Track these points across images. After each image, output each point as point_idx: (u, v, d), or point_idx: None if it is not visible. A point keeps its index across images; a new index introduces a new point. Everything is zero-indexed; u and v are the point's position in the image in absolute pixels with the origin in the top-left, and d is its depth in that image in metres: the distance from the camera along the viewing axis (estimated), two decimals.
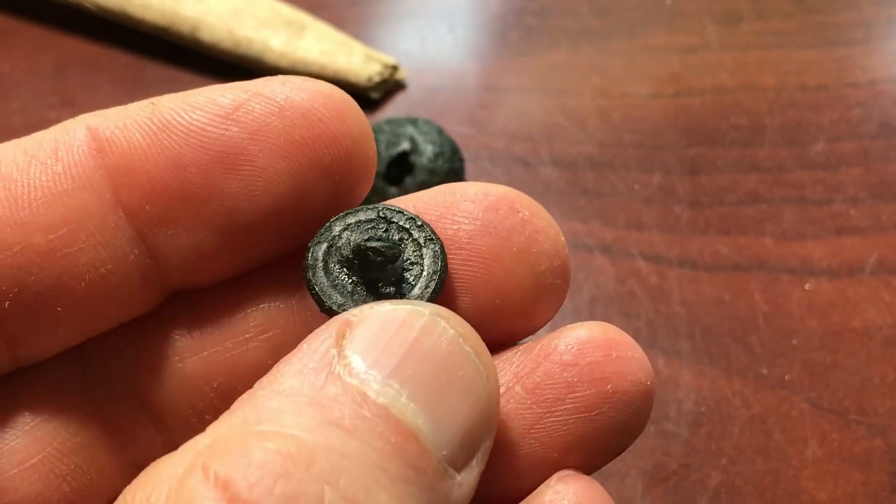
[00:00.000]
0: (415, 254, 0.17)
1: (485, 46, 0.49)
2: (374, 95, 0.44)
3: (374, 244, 0.16)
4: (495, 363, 0.17)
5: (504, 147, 0.43)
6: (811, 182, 0.41)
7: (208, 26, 0.44)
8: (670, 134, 0.43)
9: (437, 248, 0.17)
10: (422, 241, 0.17)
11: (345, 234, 0.17)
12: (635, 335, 0.36)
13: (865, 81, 0.46)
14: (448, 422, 0.14)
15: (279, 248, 0.18)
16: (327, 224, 0.17)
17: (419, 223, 0.17)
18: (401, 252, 0.16)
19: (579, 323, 0.17)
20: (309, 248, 0.17)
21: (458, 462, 0.14)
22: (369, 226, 0.17)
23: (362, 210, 0.17)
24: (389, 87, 0.45)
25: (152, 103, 0.16)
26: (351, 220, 0.17)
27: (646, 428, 0.33)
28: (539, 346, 0.17)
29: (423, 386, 0.14)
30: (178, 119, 0.16)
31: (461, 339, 0.15)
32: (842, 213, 0.40)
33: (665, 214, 0.40)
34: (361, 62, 0.44)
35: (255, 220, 0.16)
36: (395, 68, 0.45)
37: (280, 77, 0.16)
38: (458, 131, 0.43)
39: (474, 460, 0.14)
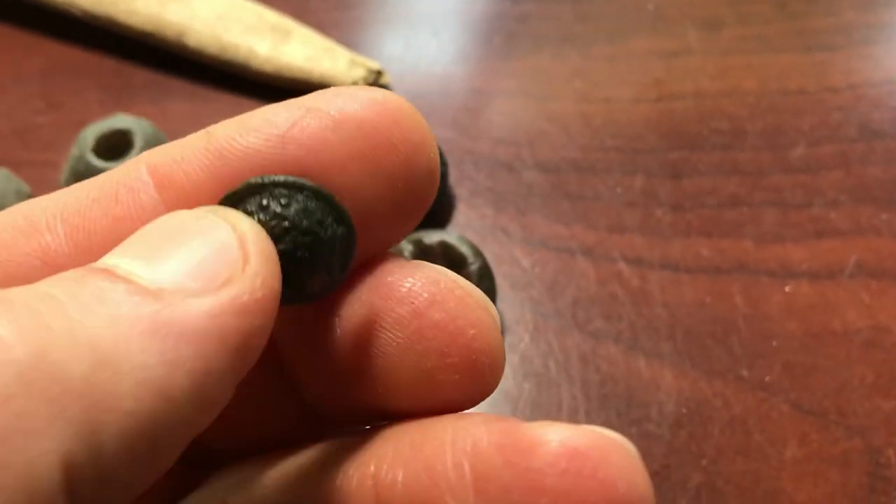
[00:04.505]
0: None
1: (468, 51, 0.49)
2: None
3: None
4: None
5: (488, 151, 0.43)
6: (791, 185, 0.42)
7: (194, 32, 0.44)
8: (652, 138, 0.44)
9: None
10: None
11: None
12: (617, 337, 0.37)
13: (845, 86, 0.46)
14: (167, 260, 0.14)
15: None
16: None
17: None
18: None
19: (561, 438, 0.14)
20: None
21: (190, 289, 0.13)
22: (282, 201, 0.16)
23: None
24: None
25: (208, 132, 0.16)
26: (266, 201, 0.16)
27: (627, 429, 0.33)
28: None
29: (145, 245, 0.14)
30: (234, 144, 0.15)
31: (214, 215, 0.14)
32: (821, 216, 0.40)
33: (647, 218, 0.40)
34: (346, 67, 0.44)
35: None
36: (379, 73, 0.45)
37: (333, 89, 0.16)
38: (442, 135, 0.43)
39: (217, 287, 0.14)
